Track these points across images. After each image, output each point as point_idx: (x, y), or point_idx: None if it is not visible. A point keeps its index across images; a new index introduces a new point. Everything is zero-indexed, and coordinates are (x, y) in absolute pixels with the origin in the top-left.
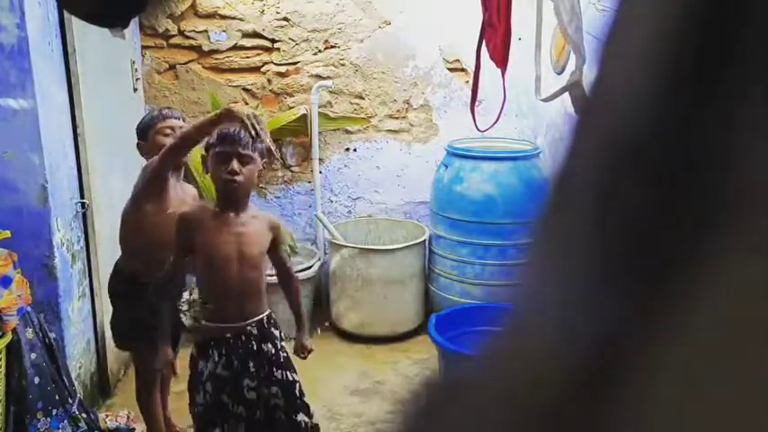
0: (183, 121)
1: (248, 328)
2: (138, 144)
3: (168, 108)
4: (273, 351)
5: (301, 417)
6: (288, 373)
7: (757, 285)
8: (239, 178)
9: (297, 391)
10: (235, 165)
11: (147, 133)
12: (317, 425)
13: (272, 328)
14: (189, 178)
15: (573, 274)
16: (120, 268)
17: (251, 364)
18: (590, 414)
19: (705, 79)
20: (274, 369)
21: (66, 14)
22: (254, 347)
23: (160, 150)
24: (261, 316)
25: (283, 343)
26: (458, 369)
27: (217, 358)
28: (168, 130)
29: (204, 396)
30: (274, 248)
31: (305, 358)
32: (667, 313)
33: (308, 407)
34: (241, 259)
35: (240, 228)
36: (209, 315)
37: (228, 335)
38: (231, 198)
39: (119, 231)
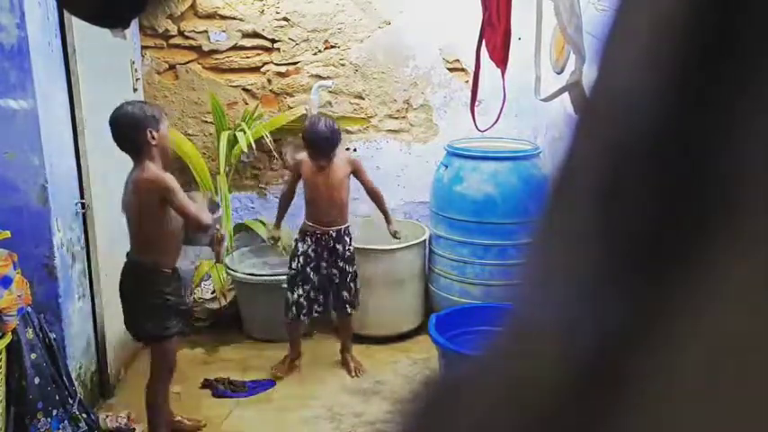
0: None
1: (330, 231)
2: (149, 133)
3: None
4: (342, 249)
5: (345, 293)
6: (347, 265)
7: (760, 284)
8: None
9: (348, 278)
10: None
11: (158, 126)
12: (352, 313)
13: (346, 236)
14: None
15: (574, 274)
16: (139, 261)
17: (326, 254)
18: (591, 414)
19: (706, 78)
20: (338, 260)
21: (66, 14)
22: (331, 244)
23: (167, 146)
24: (340, 226)
25: (351, 246)
26: (458, 369)
27: (309, 242)
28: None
29: (297, 264)
30: (356, 174)
31: (400, 238)
32: (669, 313)
33: (352, 289)
34: (329, 186)
35: (328, 169)
36: (308, 216)
37: (318, 231)
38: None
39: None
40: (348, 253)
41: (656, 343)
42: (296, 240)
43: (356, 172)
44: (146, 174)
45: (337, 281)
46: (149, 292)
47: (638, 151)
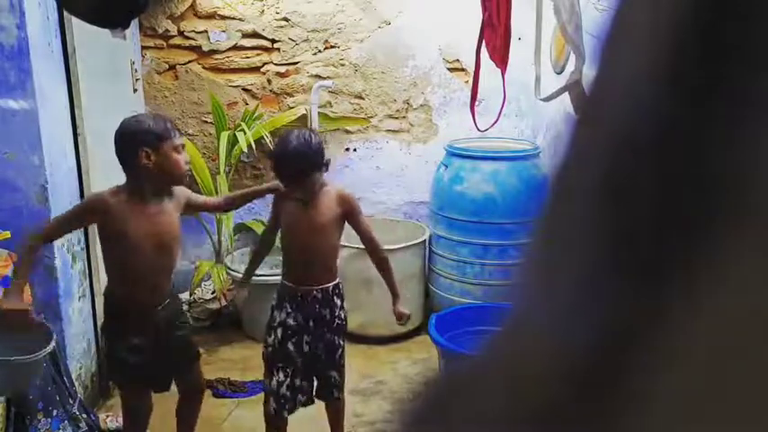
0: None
1: (314, 292)
2: (143, 151)
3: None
4: (330, 317)
5: (334, 374)
6: (336, 337)
7: (761, 285)
8: None
9: (337, 355)
10: None
11: (159, 144)
12: (342, 399)
13: (335, 297)
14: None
15: (573, 274)
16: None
17: (311, 324)
18: (591, 413)
19: (707, 77)
20: (326, 331)
21: (65, 15)
22: (317, 310)
23: (171, 167)
24: (327, 285)
25: (342, 312)
26: (458, 369)
27: (289, 309)
28: (181, 149)
29: (274, 339)
30: (349, 217)
31: (404, 324)
32: (669, 312)
33: (341, 368)
34: (312, 229)
35: (311, 206)
36: (286, 275)
37: (299, 294)
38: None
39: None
40: (338, 321)
41: (656, 342)
42: (272, 307)
43: (349, 215)
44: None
45: (324, 358)
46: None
47: (638, 151)
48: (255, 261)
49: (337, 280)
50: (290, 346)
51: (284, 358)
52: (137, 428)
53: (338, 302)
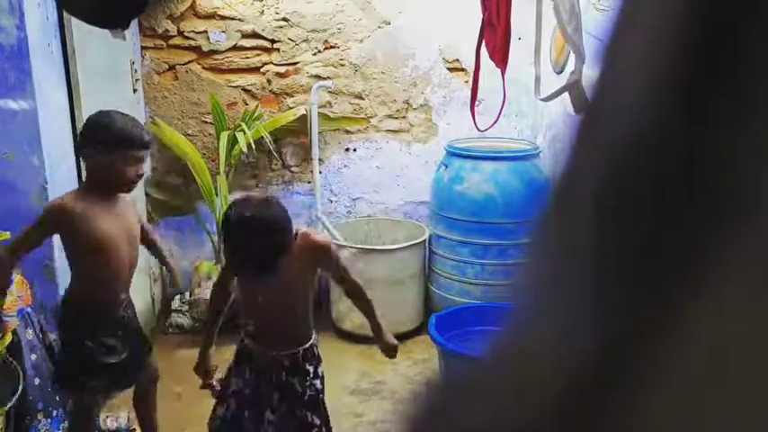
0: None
1: (281, 357)
2: (95, 148)
3: (141, 127)
4: (300, 388)
5: None
6: (309, 414)
7: (762, 292)
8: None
9: None
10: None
11: (114, 149)
12: None
13: (307, 364)
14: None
15: (577, 279)
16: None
17: (276, 396)
18: (592, 417)
19: (709, 82)
20: (295, 406)
21: (65, 15)
22: (283, 379)
23: (109, 173)
24: (297, 349)
25: (316, 381)
26: (460, 370)
27: (247, 376)
28: (133, 161)
29: (225, 410)
30: (326, 268)
31: (394, 357)
32: (672, 317)
33: None
34: (279, 289)
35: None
36: (248, 333)
37: (262, 358)
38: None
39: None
40: (311, 392)
41: (659, 346)
42: (228, 370)
43: (323, 263)
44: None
45: None
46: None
47: (640, 156)
48: (213, 326)
49: (312, 340)
50: (245, 420)
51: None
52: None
53: (310, 369)
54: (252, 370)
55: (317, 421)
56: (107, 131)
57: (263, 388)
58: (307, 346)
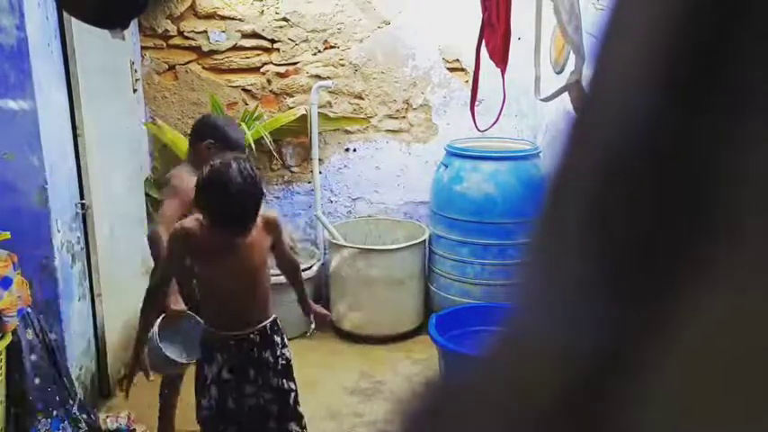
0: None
1: (251, 335)
2: (207, 143)
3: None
4: (272, 359)
5: (293, 426)
6: (284, 381)
7: (754, 295)
8: None
9: (291, 401)
10: None
11: (225, 150)
12: None
13: (275, 335)
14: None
15: (573, 280)
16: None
17: (252, 372)
18: (589, 416)
19: (703, 80)
20: (271, 376)
21: (65, 16)
22: (255, 354)
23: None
24: (264, 323)
25: (285, 350)
26: (459, 370)
27: (221, 361)
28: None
29: (209, 400)
30: (275, 240)
31: (330, 321)
32: (665, 318)
33: (301, 417)
34: (245, 270)
35: (241, 249)
36: (212, 322)
37: (232, 341)
38: None
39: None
40: (282, 361)
41: (655, 347)
42: (200, 363)
43: (276, 239)
44: None
45: (276, 409)
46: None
47: (635, 156)
48: (149, 321)
49: (273, 315)
50: (231, 403)
51: (226, 418)
52: None
53: (278, 340)
54: (223, 354)
55: (293, 386)
56: (221, 133)
57: (238, 368)
58: (272, 319)
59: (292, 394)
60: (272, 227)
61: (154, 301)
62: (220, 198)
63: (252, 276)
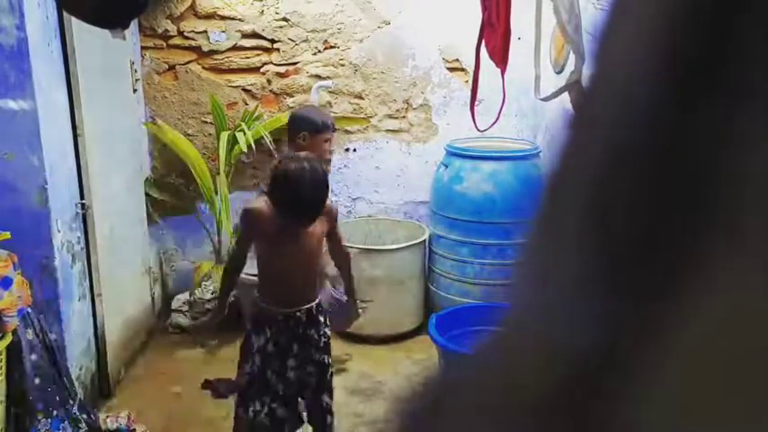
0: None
1: (298, 313)
2: (301, 135)
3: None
4: (316, 336)
5: (326, 398)
6: (325, 356)
7: (753, 294)
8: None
9: (328, 375)
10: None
11: (317, 134)
12: (333, 424)
13: (319, 315)
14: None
15: (569, 276)
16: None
17: (295, 346)
18: (586, 413)
19: (704, 77)
20: (314, 351)
21: (65, 15)
22: (300, 331)
23: (313, 152)
24: (311, 304)
25: (327, 329)
26: (456, 369)
27: (269, 334)
28: (327, 144)
29: (251, 366)
30: (332, 229)
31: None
32: (664, 316)
33: (332, 390)
34: (304, 255)
35: (303, 233)
36: (265, 297)
37: (280, 317)
38: None
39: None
40: (325, 339)
41: (651, 345)
42: (248, 333)
43: (332, 227)
44: None
45: (314, 381)
46: None
47: (634, 153)
48: (230, 286)
49: (319, 297)
50: (269, 374)
51: (262, 387)
52: None
53: (322, 320)
54: (272, 328)
55: (330, 361)
56: (308, 121)
57: (284, 342)
58: (317, 301)
59: (330, 369)
60: (331, 216)
61: (232, 275)
62: (291, 196)
63: (307, 261)
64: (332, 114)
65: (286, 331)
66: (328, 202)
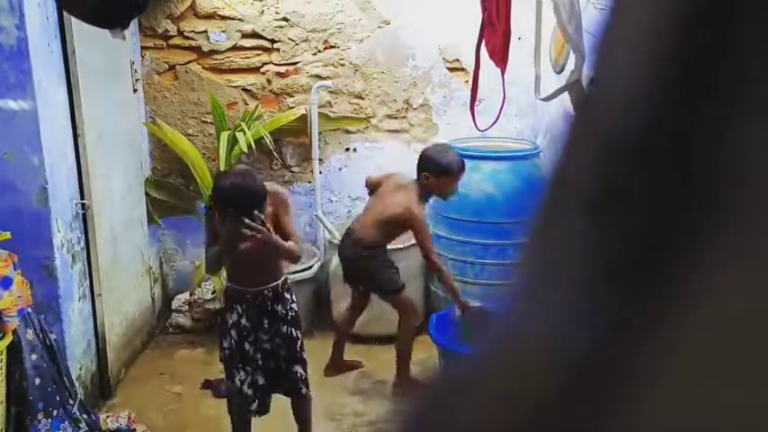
0: None
1: (264, 291)
2: (423, 175)
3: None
4: (284, 311)
5: (298, 368)
6: (292, 329)
7: (753, 293)
8: None
9: (297, 346)
10: None
11: (439, 176)
12: (309, 395)
13: (285, 293)
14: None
15: (570, 277)
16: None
17: (265, 321)
18: (586, 413)
19: (703, 77)
20: (281, 324)
21: (65, 15)
22: (269, 307)
23: (437, 191)
24: (275, 282)
25: (293, 305)
26: (455, 369)
27: (240, 311)
28: (449, 187)
29: (230, 341)
30: (284, 212)
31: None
32: (665, 316)
33: (305, 362)
34: (247, 243)
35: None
36: (232, 279)
37: (248, 296)
38: None
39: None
40: (292, 313)
41: (653, 346)
42: (221, 311)
43: (277, 211)
44: None
45: (284, 353)
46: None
47: (634, 151)
48: (218, 262)
49: (284, 276)
50: (247, 346)
51: (243, 358)
52: None
53: (288, 297)
54: (242, 305)
55: (299, 335)
56: (432, 163)
57: (255, 317)
58: (283, 279)
59: (298, 342)
60: (276, 200)
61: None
62: (219, 195)
63: (256, 248)
64: (332, 114)
65: (255, 308)
66: (277, 189)
